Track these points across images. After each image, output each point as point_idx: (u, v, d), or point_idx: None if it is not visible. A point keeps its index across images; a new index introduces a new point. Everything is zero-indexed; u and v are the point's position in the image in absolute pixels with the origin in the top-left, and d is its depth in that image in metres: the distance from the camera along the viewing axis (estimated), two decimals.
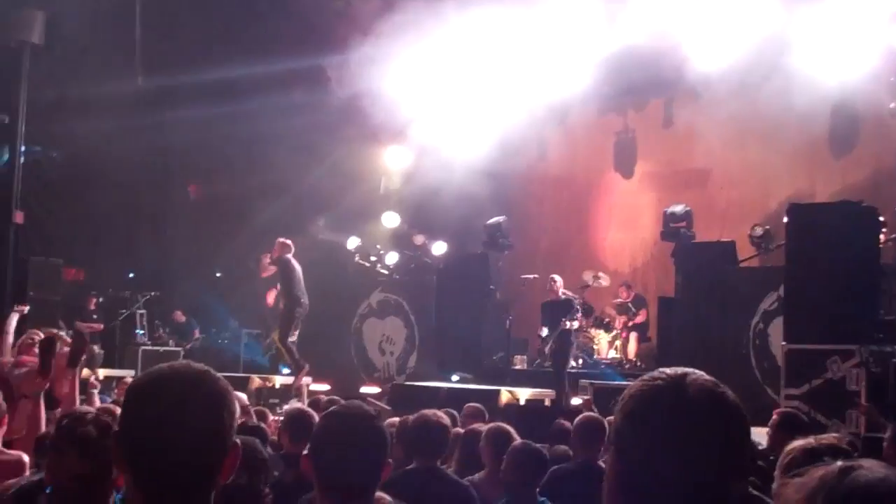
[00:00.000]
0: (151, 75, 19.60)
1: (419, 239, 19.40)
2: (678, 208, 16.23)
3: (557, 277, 16.37)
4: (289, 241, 15.75)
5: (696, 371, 2.00)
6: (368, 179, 19.78)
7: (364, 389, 15.87)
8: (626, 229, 18.99)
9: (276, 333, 16.36)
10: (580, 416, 7.43)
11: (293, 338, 15.79)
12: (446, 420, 5.99)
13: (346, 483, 3.12)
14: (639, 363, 16.64)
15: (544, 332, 15.91)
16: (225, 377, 2.28)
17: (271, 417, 9.64)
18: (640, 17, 16.79)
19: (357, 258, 19.09)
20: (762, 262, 15.79)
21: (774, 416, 7.02)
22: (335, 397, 10.29)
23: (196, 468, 2.16)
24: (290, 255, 15.61)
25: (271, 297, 18.11)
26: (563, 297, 16.10)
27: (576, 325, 15.72)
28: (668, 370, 2.00)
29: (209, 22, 19.62)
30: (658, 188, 18.61)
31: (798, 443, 4.16)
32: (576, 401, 13.62)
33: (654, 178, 18.82)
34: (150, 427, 2.14)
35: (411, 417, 6.29)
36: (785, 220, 12.88)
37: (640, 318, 17.15)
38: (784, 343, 11.96)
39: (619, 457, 1.97)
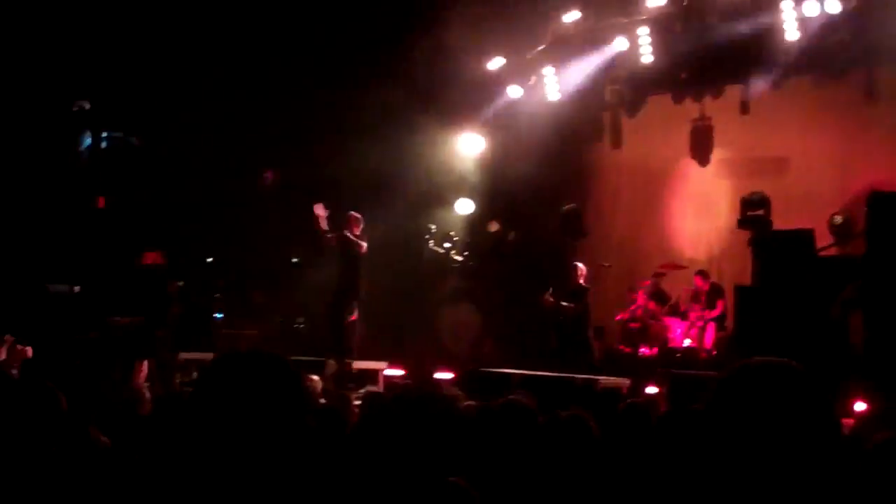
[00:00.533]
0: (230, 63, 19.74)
1: (493, 226, 19.44)
2: (755, 196, 16.07)
3: (580, 265, 16.60)
4: (360, 216, 15.77)
5: (784, 359, 2.05)
6: (443, 166, 19.82)
7: (438, 375, 15.90)
8: (702, 217, 18.79)
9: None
10: (623, 402, 7.32)
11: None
12: (531, 406, 5.99)
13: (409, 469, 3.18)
14: (714, 352, 16.53)
15: None
16: (300, 361, 2.33)
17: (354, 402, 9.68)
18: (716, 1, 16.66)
19: (431, 244, 19.13)
20: (841, 251, 15.58)
21: (858, 406, 6.95)
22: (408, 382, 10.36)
23: (264, 449, 2.21)
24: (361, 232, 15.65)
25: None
26: (580, 284, 16.40)
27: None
28: (758, 357, 2.06)
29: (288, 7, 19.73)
30: (735, 175, 18.40)
31: (884, 434, 4.13)
32: (651, 390, 13.54)
33: (731, 165, 18.61)
34: (218, 408, 2.19)
35: (495, 402, 6.28)
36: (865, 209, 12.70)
37: (716, 311, 16.97)
38: (865, 333, 11.80)
39: (714, 439, 2.01)
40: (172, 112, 18.93)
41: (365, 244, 15.63)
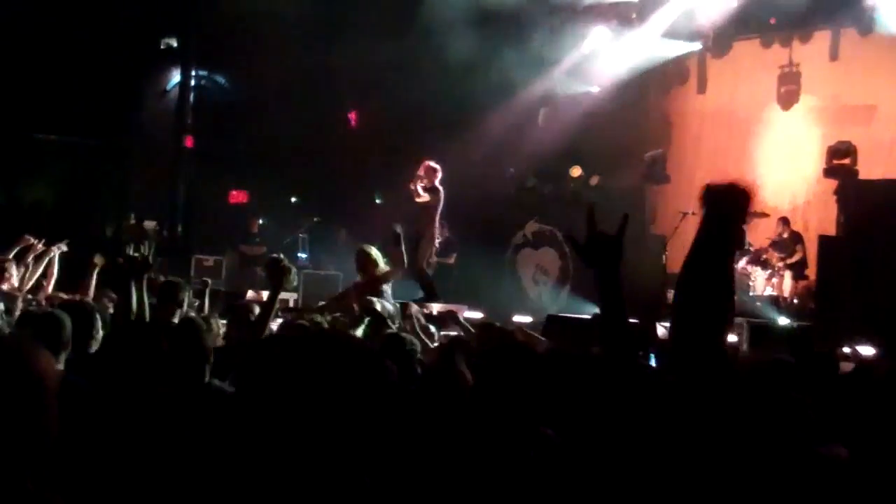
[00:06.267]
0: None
1: (576, 171, 19.35)
2: (842, 145, 15.85)
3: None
4: (437, 166, 15.33)
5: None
6: None
7: (517, 318, 15.95)
8: (787, 165, 18.53)
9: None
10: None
11: (429, 270, 15.70)
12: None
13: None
14: (795, 301, 16.40)
15: None
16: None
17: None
18: None
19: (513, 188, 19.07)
20: None
21: None
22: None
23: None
24: (438, 182, 15.29)
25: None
26: None
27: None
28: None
29: None
30: (822, 123, 18.12)
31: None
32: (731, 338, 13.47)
33: (818, 113, 18.32)
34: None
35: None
36: None
37: (796, 257, 16.80)
38: None
39: None
40: (258, 52, 19.01)
41: (424, 197, 15.25)
